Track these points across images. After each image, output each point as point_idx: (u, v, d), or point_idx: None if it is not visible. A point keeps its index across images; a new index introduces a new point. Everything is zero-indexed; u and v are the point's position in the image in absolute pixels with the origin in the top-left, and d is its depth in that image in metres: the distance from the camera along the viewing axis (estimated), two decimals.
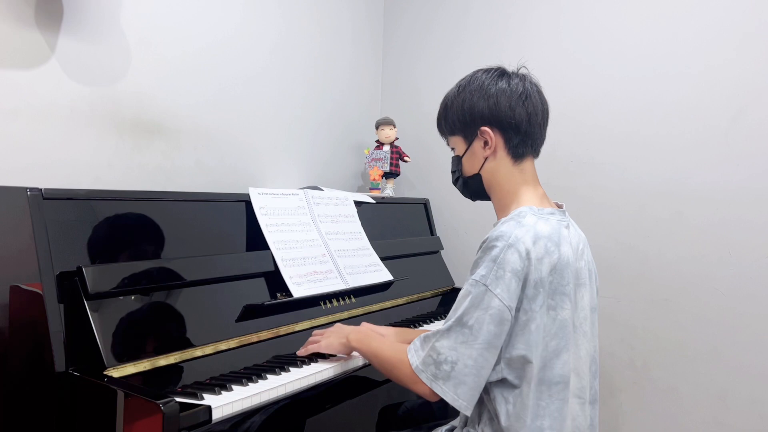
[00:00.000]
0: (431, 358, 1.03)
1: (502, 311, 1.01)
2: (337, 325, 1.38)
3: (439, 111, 1.24)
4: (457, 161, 1.23)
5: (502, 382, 1.05)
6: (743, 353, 1.76)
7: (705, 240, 1.82)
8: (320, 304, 1.54)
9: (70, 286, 1.10)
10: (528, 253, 1.02)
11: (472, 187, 1.22)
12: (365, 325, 1.41)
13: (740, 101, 1.75)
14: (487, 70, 1.17)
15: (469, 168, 1.20)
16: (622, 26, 1.96)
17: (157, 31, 1.71)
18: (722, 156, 1.78)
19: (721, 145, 1.78)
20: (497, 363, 1.04)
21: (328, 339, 1.32)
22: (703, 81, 1.81)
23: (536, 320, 1.03)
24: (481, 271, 1.03)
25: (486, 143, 1.15)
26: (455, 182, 1.27)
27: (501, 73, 1.16)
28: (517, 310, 1.03)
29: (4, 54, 1.38)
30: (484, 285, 1.02)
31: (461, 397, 1.01)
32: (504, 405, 1.05)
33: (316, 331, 1.39)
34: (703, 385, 1.83)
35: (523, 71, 1.18)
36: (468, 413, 1.04)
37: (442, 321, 1.79)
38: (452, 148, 1.25)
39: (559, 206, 1.19)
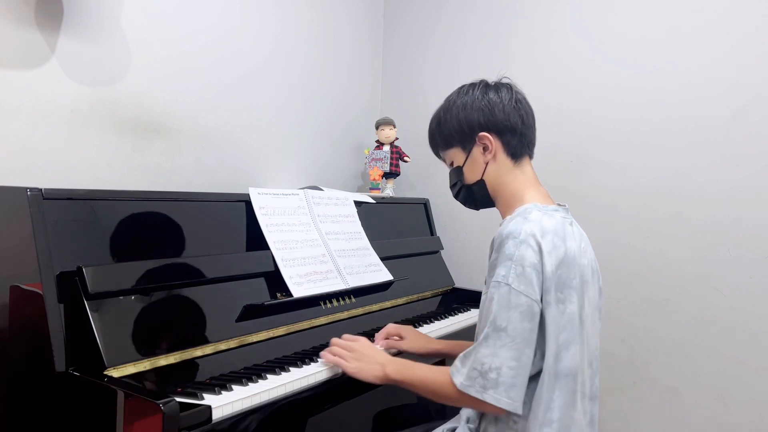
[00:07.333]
0: (476, 371, 1.04)
1: (530, 305, 1.03)
2: (364, 342, 1.30)
3: (432, 128, 1.26)
4: (457, 172, 1.24)
5: None
6: (743, 353, 1.76)
7: (705, 240, 1.82)
8: (320, 304, 1.54)
9: (70, 286, 1.09)
10: (540, 247, 1.05)
11: (477, 194, 1.23)
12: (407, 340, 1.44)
13: (740, 100, 1.75)
14: (472, 85, 1.22)
15: (472, 176, 1.22)
16: (623, 26, 1.96)
17: (156, 30, 1.71)
18: (722, 155, 1.78)
19: (721, 144, 1.78)
20: None
21: (358, 363, 1.23)
22: (703, 80, 1.81)
23: (550, 312, 1.05)
24: (500, 271, 1.05)
25: (485, 148, 1.18)
26: (457, 195, 1.27)
27: (486, 85, 1.21)
28: (542, 301, 1.05)
29: (4, 54, 1.38)
30: (507, 284, 1.04)
31: (516, 399, 1.02)
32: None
33: (345, 336, 1.33)
34: (703, 385, 1.83)
35: (505, 80, 1.23)
36: (520, 412, 1.04)
37: (442, 320, 1.79)
38: (450, 163, 1.26)
39: (561, 206, 1.21)
